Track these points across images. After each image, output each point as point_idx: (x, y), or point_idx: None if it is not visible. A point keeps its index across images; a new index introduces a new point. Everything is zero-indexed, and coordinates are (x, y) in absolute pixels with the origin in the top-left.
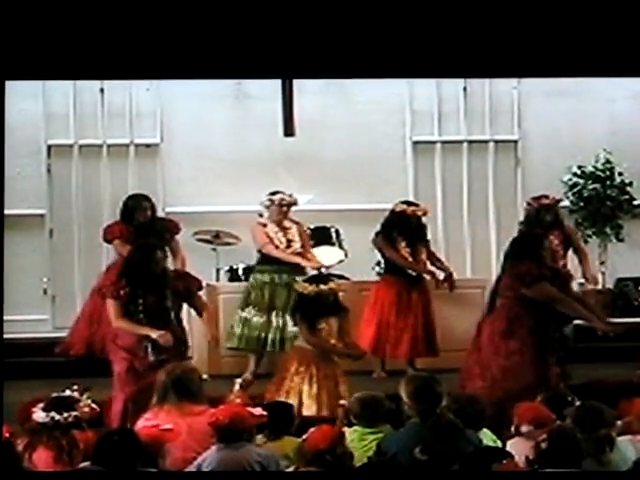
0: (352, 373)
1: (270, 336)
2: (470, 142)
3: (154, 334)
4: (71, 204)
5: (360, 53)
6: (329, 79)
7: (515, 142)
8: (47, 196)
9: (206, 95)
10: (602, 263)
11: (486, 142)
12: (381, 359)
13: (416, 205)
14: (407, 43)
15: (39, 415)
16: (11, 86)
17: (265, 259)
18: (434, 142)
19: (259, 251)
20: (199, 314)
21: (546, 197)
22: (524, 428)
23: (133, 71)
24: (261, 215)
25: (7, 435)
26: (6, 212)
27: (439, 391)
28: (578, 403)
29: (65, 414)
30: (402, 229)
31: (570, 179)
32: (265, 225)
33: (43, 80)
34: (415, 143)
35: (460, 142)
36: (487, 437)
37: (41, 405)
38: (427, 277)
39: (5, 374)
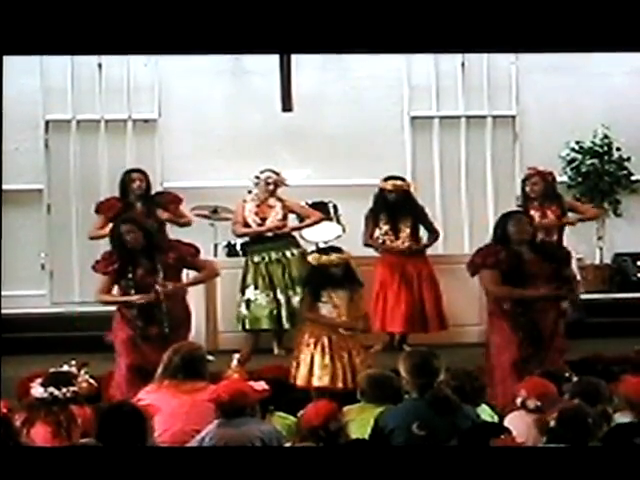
0: None
1: (283, 313)
2: (468, 117)
3: (133, 298)
4: (69, 179)
5: (358, 28)
6: (327, 54)
7: (513, 117)
8: (45, 171)
9: (204, 70)
10: (600, 238)
11: (484, 117)
12: (389, 335)
13: (399, 179)
14: (405, 17)
15: (37, 390)
16: (9, 61)
17: (251, 239)
18: (432, 117)
19: None
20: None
21: (532, 169)
22: (531, 402)
23: (131, 46)
24: (250, 192)
25: (5, 410)
26: (4, 187)
27: (437, 366)
28: (575, 379)
29: (63, 389)
30: (383, 205)
31: (568, 154)
32: (245, 202)
33: (41, 55)
34: (413, 118)
35: (458, 117)
36: (485, 413)
37: (39, 380)
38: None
39: (3, 349)
